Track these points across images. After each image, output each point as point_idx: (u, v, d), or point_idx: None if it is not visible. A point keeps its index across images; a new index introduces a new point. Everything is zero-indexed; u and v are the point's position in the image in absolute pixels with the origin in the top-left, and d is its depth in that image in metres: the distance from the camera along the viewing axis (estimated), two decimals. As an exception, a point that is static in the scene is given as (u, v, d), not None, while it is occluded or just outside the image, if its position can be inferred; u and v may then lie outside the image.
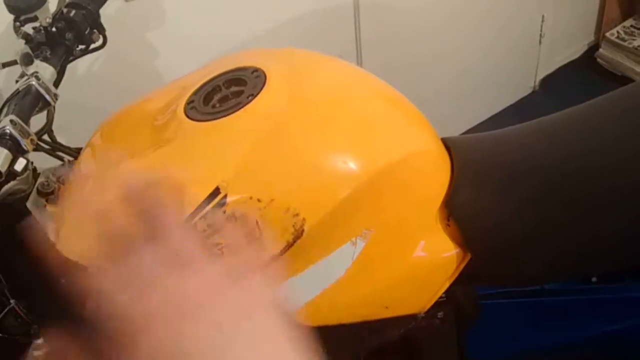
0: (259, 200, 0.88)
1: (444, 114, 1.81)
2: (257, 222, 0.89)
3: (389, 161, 0.94)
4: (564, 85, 2.76)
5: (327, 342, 0.98)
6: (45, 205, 1.04)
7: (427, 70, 2.27)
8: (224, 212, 0.88)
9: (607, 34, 2.83)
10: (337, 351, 1.01)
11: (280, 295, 0.93)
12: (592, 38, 2.94)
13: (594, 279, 1.01)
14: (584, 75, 2.82)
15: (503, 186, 0.99)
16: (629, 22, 2.87)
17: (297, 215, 0.89)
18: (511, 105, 2.68)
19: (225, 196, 0.88)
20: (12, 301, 1.09)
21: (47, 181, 1.05)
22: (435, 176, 0.99)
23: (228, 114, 0.93)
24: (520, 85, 2.73)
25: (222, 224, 0.88)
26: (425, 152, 1.00)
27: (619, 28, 2.85)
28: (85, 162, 1.02)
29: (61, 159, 1.10)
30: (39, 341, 1.12)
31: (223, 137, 0.92)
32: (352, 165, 0.92)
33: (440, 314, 1.03)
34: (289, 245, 0.90)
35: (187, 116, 0.96)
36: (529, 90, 2.77)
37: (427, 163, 0.99)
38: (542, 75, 2.78)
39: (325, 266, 0.94)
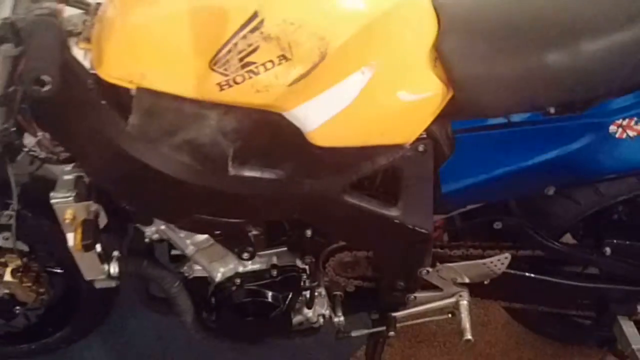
0: (291, 24, 0.99)
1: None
2: (289, 44, 1.00)
3: (392, 5, 1.07)
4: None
5: (332, 162, 1.13)
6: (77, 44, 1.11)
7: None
8: (261, 33, 0.99)
9: None
10: (337, 172, 1.16)
11: (300, 114, 1.06)
12: None
13: (552, 110, 1.18)
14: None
15: (483, 33, 1.13)
16: None
17: (322, 39, 1.01)
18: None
19: (263, 20, 0.99)
20: (39, 134, 1.17)
21: (73, 24, 1.11)
22: (425, 23, 1.11)
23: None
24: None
25: (260, 44, 1.00)
26: (418, 2, 1.12)
27: None
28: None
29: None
30: (69, 167, 1.20)
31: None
32: (367, 1, 1.05)
33: (421, 147, 1.16)
34: (314, 66, 1.02)
35: None
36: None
37: (419, 10, 1.11)
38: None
39: (338, 91, 1.06)
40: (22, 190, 1.29)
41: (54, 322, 1.74)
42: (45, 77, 0.85)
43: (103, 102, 1.08)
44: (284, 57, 1.01)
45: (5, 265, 1.44)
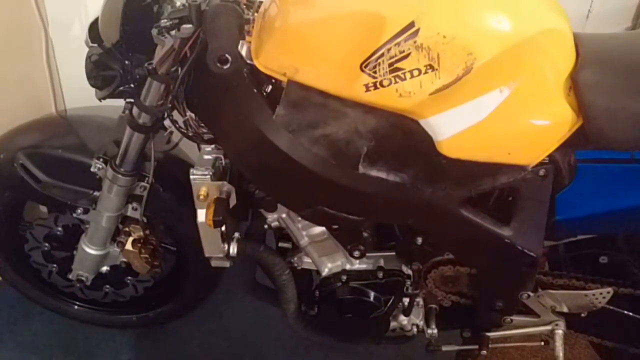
0: (444, 37, 1.04)
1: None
2: (438, 55, 1.05)
3: (538, 30, 1.11)
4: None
5: (455, 174, 1.16)
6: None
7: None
8: (414, 42, 1.04)
9: (644, 22, 2.99)
10: (459, 184, 1.19)
11: (435, 122, 1.10)
12: (629, 24, 3.10)
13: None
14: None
15: (618, 69, 1.15)
16: (664, 15, 3.03)
17: (470, 54, 1.05)
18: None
19: (418, 30, 1.04)
20: (188, 114, 1.25)
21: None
22: (566, 52, 1.15)
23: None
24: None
25: (411, 52, 1.05)
26: (562, 31, 1.16)
27: (654, 19, 3.01)
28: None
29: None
30: (210, 148, 1.28)
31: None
32: (517, 24, 1.09)
33: (542, 172, 1.18)
34: (457, 79, 1.07)
35: None
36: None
37: (562, 39, 1.15)
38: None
39: (475, 106, 1.09)
40: (156, 167, 1.37)
41: (159, 297, 1.83)
42: (228, 56, 0.93)
43: (254, 90, 1.15)
44: (430, 67, 1.06)
45: (128, 234, 1.53)
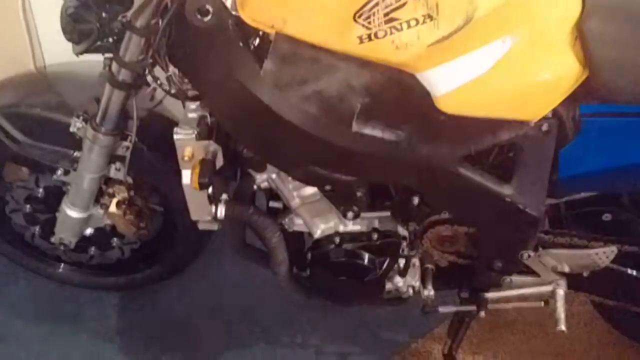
0: (443, -17, 0.97)
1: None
2: (437, 4, 0.98)
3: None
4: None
5: (454, 131, 1.10)
6: None
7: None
8: (412, -10, 0.97)
9: None
10: (457, 141, 1.14)
11: (433, 76, 1.04)
12: None
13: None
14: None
15: (626, 19, 1.08)
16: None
17: (471, 2, 0.98)
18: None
19: (415, -24, 0.97)
20: (170, 69, 1.18)
21: None
22: (570, 2, 1.07)
23: None
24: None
25: (408, 0, 0.98)
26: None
27: None
28: None
29: None
30: (194, 105, 1.22)
31: None
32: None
33: (545, 127, 1.13)
34: (457, 29, 1.00)
35: None
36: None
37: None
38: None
39: (475, 58, 1.03)
40: (140, 125, 1.30)
41: (146, 259, 1.78)
42: (209, 7, 0.86)
43: (240, 44, 1.08)
44: (429, 17, 0.99)
45: (112, 196, 1.48)
